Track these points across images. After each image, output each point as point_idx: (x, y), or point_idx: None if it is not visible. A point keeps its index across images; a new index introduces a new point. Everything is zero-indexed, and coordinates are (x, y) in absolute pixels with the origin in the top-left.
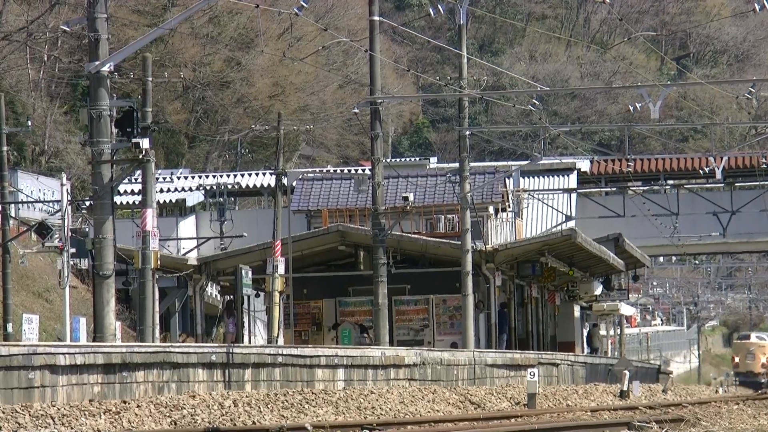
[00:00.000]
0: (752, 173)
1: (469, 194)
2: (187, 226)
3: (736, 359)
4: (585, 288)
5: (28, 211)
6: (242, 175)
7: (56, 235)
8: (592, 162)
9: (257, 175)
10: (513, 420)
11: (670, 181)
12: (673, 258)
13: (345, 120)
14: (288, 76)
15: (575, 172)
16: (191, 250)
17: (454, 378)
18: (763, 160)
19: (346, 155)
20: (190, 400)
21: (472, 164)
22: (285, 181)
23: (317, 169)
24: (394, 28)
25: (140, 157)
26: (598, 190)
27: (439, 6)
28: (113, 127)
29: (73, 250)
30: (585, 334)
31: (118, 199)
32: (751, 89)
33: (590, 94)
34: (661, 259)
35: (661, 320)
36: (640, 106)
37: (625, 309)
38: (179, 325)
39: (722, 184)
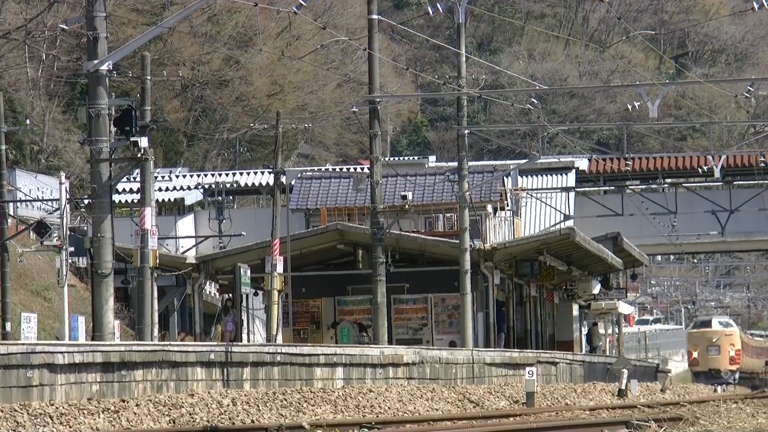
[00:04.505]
0: (751, 172)
1: (467, 193)
2: (185, 225)
3: (694, 354)
4: (583, 287)
5: (26, 209)
6: (241, 174)
7: (55, 234)
8: (590, 161)
9: (256, 173)
10: (511, 419)
11: (669, 180)
12: (672, 257)
13: (344, 119)
14: (287, 75)
15: (574, 170)
16: (190, 248)
17: (453, 377)
18: (762, 159)
19: (345, 154)
20: (188, 398)
21: (470, 163)
22: (284, 179)
23: (316, 168)
24: (392, 26)
25: (139, 155)
26: (597, 189)
27: (438, 5)
28: (112, 125)
29: (71, 249)
30: (584, 332)
31: (116, 198)
32: (750, 88)
33: (589, 93)
34: (659, 257)
35: (660, 319)
36: (638, 104)
37: (624, 308)
38: (178, 323)
39: (721, 183)
